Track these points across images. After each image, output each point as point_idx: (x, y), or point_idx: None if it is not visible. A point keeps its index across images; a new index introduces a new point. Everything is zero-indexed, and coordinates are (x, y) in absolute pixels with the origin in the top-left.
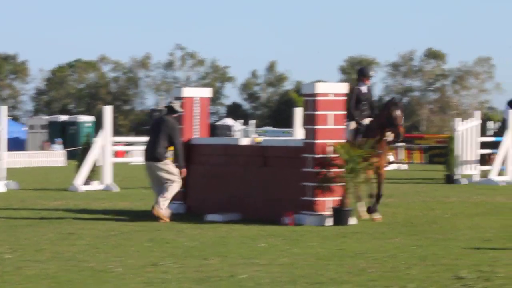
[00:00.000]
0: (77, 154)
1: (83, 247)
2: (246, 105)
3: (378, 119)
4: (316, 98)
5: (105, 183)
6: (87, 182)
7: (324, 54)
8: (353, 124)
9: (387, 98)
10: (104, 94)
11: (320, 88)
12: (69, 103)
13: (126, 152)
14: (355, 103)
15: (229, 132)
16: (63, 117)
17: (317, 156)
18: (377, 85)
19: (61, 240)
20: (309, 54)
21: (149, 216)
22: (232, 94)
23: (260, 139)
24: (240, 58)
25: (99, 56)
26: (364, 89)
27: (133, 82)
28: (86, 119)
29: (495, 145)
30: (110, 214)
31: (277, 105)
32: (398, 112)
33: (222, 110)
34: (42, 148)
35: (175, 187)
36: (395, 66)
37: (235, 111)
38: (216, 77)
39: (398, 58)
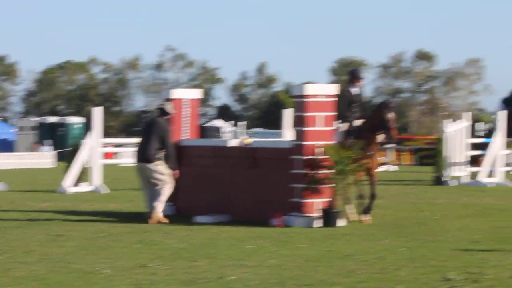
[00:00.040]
0: (67, 155)
1: (72, 248)
2: (236, 107)
3: (370, 121)
4: (306, 99)
5: (94, 184)
6: (76, 183)
7: (314, 56)
8: (344, 126)
9: (377, 100)
10: (94, 95)
11: (309, 89)
12: (59, 104)
13: (115, 153)
14: (346, 105)
15: (219, 133)
16: (53, 119)
17: (306, 157)
18: (367, 86)
19: (50, 241)
20: (299, 55)
21: (138, 217)
22: (222, 96)
23: (249, 140)
24: (230, 59)
25: (89, 58)
26: (355, 90)
27: (123, 83)
28: (76, 121)
29: (484, 147)
30: (99, 215)
31: (267, 106)
32: (392, 115)
33: (212, 111)
34: (31, 149)
35: (168, 189)
36: (385, 68)
37: (225, 113)
38: (206, 78)
39: (388, 59)
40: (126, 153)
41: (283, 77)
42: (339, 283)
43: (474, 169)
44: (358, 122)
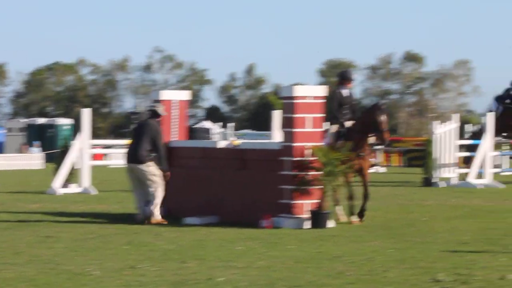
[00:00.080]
0: (55, 157)
1: (61, 250)
2: (224, 108)
3: (361, 122)
4: (295, 101)
5: (83, 186)
6: (65, 185)
7: (303, 57)
8: (334, 127)
9: (365, 101)
10: (82, 97)
11: (298, 91)
12: (48, 105)
13: (104, 155)
14: (337, 106)
15: (208, 135)
16: (42, 120)
17: (295, 159)
18: (356, 88)
19: (39, 243)
20: (288, 57)
21: (127, 219)
22: (210, 97)
23: (238, 142)
24: (218, 61)
25: (78, 59)
26: (345, 92)
27: (111, 85)
28: (65, 122)
29: (474, 148)
30: (88, 217)
31: (255, 108)
32: (384, 117)
33: (201, 113)
34: (20, 151)
35: (160, 191)
36: (373, 69)
37: (213, 114)
38: (195, 80)
39: (376, 61)
40: (115, 154)
41: (272, 79)
42: (328, 284)
43: (463, 170)
44: (348, 124)
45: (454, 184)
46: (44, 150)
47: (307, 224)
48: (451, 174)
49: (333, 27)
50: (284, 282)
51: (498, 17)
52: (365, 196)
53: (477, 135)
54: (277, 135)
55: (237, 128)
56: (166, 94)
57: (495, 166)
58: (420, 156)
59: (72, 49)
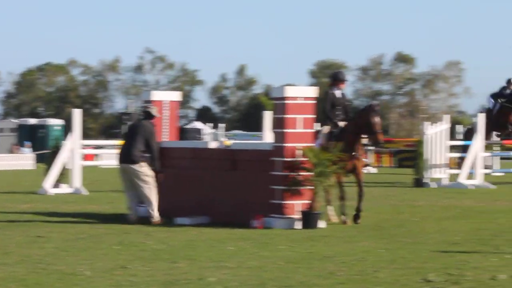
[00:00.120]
0: (46, 157)
1: (51, 250)
2: (215, 109)
3: (354, 123)
4: (286, 101)
5: (74, 186)
6: (56, 185)
7: (294, 58)
8: (327, 128)
9: (356, 102)
10: (73, 97)
11: (289, 91)
12: (39, 106)
13: (95, 155)
14: (330, 107)
15: (199, 135)
16: (33, 120)
17: (286, 159)
18: (347, 89)
19: (29, 243)
20: (279, 58)
21: (118, 219)
22: (201, 98)
23: (229, 142)
24: (209, 61)
25: (69, 60)
26: (338, 93)
27: (102, 85)
28: (56, 123)
29: (464, 149)
30: (79, 217)
31: (246, 108)
32: (377, 119)
33: (192, 113)
34: (11, 151)
35: (154, 192)
36: (364, 70)
37: (204, 115)
38: (186, 80)
39: (367, 62)
40: (106, 155)
41: (263, 79)
42: (319, 284)
43: (454, 171)
44: (341, 124)
45: (445, 185)
46: (35, 150)
47: (298, 225)
48: (442, 174)
49: (324, 28)
50: (275, 282)
51: (489, 18)
52: (360, 196)
53: (472, 132)
54: (268, 136)
55: (228, 129)
56: (157, 95)
57: (486, 167)
58: (411, 157)
59: (63, 49)
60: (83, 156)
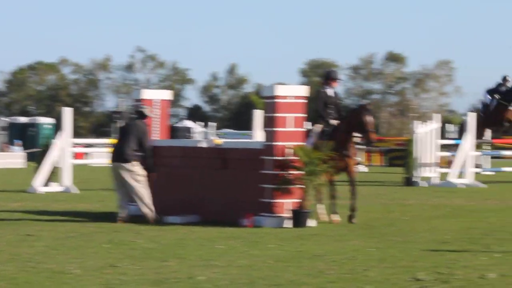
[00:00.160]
0: (37, 155)
1: (41, 248)
2: (206, 108)
3: (347, 122)
4: (276, 100)
5: (65, 184)
6: (46, 183)
7: (285, 57)
8: (318, 127)
9: (347, 101)
10: (64, 96)
11: (280, 90)
12: (29, 105)
13: (86, 153)
14: (322, 105)
15: (189, 134)
16: (23, 119)
17: (276, 158)
18: (337, 88)
19: (19, 241)
20: (270, 56)
21: (108, 217)
22: (192, 97)
23: (219, 141)
24: (200, 60)
25: (60, 58)
26: (330, 91)
27: (93, 84)
28: (46, 121)
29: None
30: (69, 215)
31: (237, 107)
32: (370, 118)
33: (182, 112)
34: (1, 149)
35: (145, 191)
36: (355, 69)
37: (195, 113)
38: (177, 79)
39: (358, 61)
40: (97, 153)
41: (254, 78)
42: (308, 283)
43: (444, 170)
44: (334, 123)
45: (435, 184)
46: (25, 149)
47: (288, 223)
48: (432, 173)
49: (315, 27)
50: (265, 281)
51: (480, 18)
52: (353, 195)
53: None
54: (258, 135)
55: (218, 128)
56: (148, 94)
57: (476, 166)
58: (401, 156)
59: (54, 48)
60: (73, 155)
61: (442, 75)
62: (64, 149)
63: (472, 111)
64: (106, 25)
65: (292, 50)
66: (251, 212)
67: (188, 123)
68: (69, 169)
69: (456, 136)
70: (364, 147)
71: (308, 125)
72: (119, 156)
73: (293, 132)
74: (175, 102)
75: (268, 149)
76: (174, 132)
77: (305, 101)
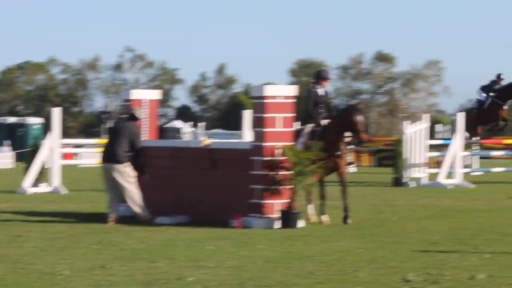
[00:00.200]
0: (26, 156)
1: (30, 249)
2: (195, 107)
3: (337, 122)
4: (265, 100)
5: (54, 185)
6: (35, 184)
7: (274, 57)
8: (309, 126)
9: (336, 101)
10: (53, 96)
11: (269, 90)
12: (18, 105)
13: (75, 154)
14: (313, 105)
15: (178, 134)
16: (12, 119)
17: (265, 158)
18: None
19: (8, 242)
20: (259, 56)
21: (97, 218)
22: (181, 96)
23: (208, 141)
24: (189, 60)
25: (48, 58)
26: (321, 91)
27: (82, 84)
28: (35, 121)
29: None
30: (58, 216)
31: (226, 107)
32: (360, 117)
33: (171, 112)
34: None
35: (136, 193)
36: (344, 69)
37: (184, 114)
38: (165, 79)
39: (347, 61)
40: (86, 153)
41: (243, 78)
42: (298, 284)
43: (434, 170)
44: (324, 123)
45: (424, 184)
46: (14, 149)
47: (277, 224)
48: (421, 174)
49: (304, 26)
50: (254, 282)
51: (469, 18)
52: (344, 195)
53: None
54: (247, 135)
55: (207, 128)
56: (136, 93)
57: (465, 166)
58: (390, 156)
59: (42, 48)
60: (62, 155)
61: (431, 75)
62: (53, 149)
63: (461, 111)
64: (94, 25)
65: (281, 50)
66: (241, 213)
67: (178, 123)
68: (58, 170)
69: (446, 135)
70: (353, 147)
71: (297, 125)
72: (111, 157)
73: (282, 132)
74: (164, 102)
75: (257, 149)
76: (163, 132)
77: (294, 101)
